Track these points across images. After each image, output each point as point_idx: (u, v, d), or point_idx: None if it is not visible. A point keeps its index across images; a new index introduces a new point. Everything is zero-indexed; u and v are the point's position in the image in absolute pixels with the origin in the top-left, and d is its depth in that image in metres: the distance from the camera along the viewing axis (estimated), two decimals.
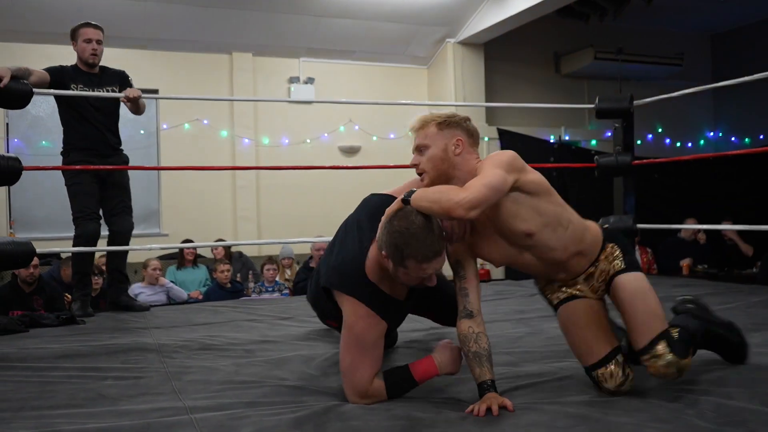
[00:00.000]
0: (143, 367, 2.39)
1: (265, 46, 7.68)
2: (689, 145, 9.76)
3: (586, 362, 2.00)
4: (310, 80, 7.92)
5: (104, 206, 3.85)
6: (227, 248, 6.64)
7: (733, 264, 6.76)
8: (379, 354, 2.01)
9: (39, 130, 7.02)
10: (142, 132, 7.31)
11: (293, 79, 7.91)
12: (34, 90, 3.38)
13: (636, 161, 4.63)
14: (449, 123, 2.02)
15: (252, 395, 2.00)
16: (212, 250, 6.71)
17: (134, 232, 4.03)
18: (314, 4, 7.09)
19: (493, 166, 1.91)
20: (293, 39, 7.65)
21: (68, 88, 3.70)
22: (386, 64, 8.27)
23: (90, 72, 3.83)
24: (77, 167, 3.70)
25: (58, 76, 3.69)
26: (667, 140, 9.66)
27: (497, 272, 7.99)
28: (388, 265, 1.92)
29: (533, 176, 1.99)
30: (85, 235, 3.71)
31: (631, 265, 2.03)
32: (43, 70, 3.64)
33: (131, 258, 6.62)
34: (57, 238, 6.22)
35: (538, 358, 2.45)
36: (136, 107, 3.75)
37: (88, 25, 3.82)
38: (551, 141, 8.48)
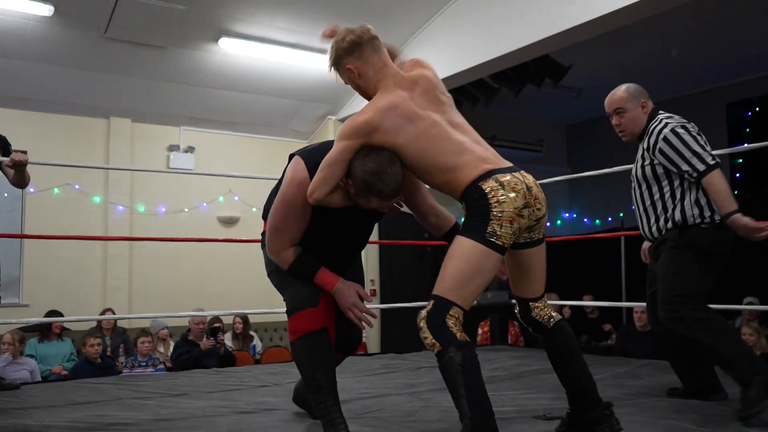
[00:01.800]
0: None
1: (145, 112, 7.58)
2: (548, 225, 10.51)
3: None
4: (190, 149, 7.86)
5: None
6: (115, 322, 6.33)
7: (592, 336, 7.29)
8: (300, 228, 2.23)
9: None
10: (5, 195, 6.88)
11: (173, 147, 7.81)
12: None
13: None
14: (335, 62, 2.26)
15: None
16: (100, 323, 6.32)
17: None
18: (198, 75, 7.12)
19: (337, 139, 2.16)
20: (175, 107, 7.61)
21: None
22: (268, 137, 8.38)
23: None
24: None
25: None
26: (586, 220, 10.44)
27: (373, 345, 8.10)
28: (350, 189, 2.14)
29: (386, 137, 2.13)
30: None
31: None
32: None
33: None
34: None
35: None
36: (22, 177, 3.48)
37: None
38: None
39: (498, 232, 2.05)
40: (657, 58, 7.78)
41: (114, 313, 6.57)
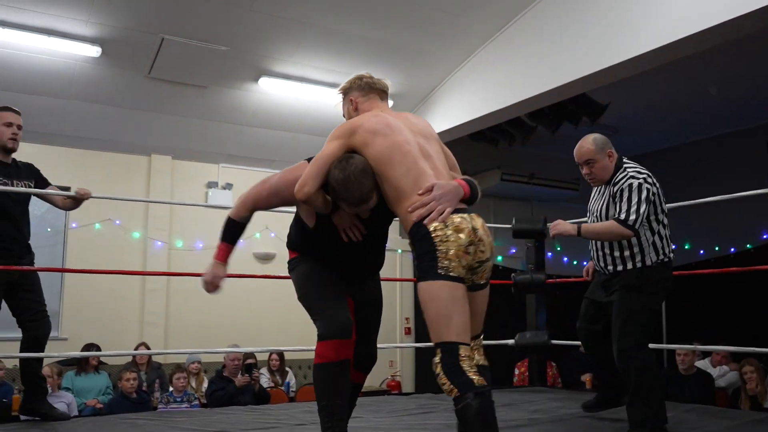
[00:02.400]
0: None
1: (185, 150, 7.72)
2: (585, 263, 10.35)
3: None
4: (228, 186, 7.96)
5: (20, 312, 3.60)
6: (150, 357, 6.39)
7: None
8: (271, 205, 2.56)
9: None
10: (48, 230, 7.03)
11: (211, 184, 7.93)
12: None
13: (549, 280, 4.91)
14: (345, 90, 2.55)
15: None
16: (135, 358, 6.39)
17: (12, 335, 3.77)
18: (237, 114, 7.26)
19: (327, 140, 2.35)
20: (213, 145, 7.74)
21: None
22: None
23: (5, 162, 3.61)
24: None
25: None
26: (565, 258, 10.24)
27: (408, 384, 8.01)
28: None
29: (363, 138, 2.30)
30: None
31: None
32: None
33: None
34: None
35: None
36: (76, 207, 3.71)
37: (8, 108, 3.64)
38: None
39: (449, 266, 2.11)
40: (695, 96, 7.71)
41: (149, 348, 6.61)
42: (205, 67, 6.42)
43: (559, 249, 10.11)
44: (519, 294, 5.05)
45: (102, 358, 6.43)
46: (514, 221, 4.95)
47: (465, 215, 2.19)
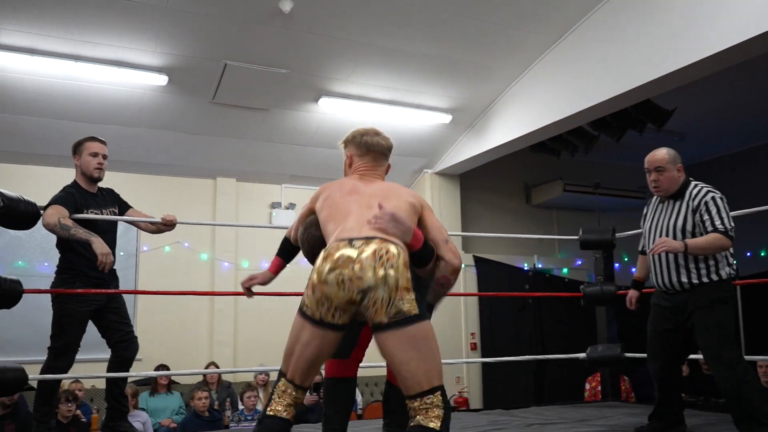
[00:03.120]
0: None
1: (249, 172, 7.89)
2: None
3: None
4: (291, 206, 8.08)
5: (110, 334, 3.70)
6: (219, 375, 6.51)
7: (710, 393, 6.83)
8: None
9: (15, 250, 6.92)
10: (121, 254, 7.25)
11: (275, 204, 8.06)
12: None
13: (619, 291, 4.79)
14: (345, 142, 2.59)
15: None
16: (205, 376, 6.53)
17: (104, 356, 3.79)
18: (298, 135, 7.37)
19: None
20: (276, 166, 7.88)
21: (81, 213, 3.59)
22: None
23: (91, 192, 3.73)
24: (74, 291, 3.56)
25: (73, 206, 3.54)
26: (633, 269, 9.95)
27: (475, 400, 7.91)
28: None
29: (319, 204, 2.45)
30: (60, 370, 3.52)
31: None
32: (55, 204, 3.47)
33: (97, 383, 6.43)
34: (27, 362, 5.99)
35: None
36: (163, 230, 3.95)
37: (94, 139, 3.74)
38: (525, 269, 8.68)
39: (306, 301, 2.11)
40: (764, 98, 7.43)
41: (218, 367, 6.73)
42: (267, 90, 6.55)
43: (626, 260, 9.86)
44: (588, 306, 4.95)
45: (174, 378, 6.59)
46: (581, 232, 4.86)
47: (360, 241, 2.10)
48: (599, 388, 6.18)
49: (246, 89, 6.50)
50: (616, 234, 4.83)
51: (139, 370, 6.69)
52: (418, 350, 2.01)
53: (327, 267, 2.06)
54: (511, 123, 7.03)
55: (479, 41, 6.25)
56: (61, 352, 3.54)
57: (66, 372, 3.60)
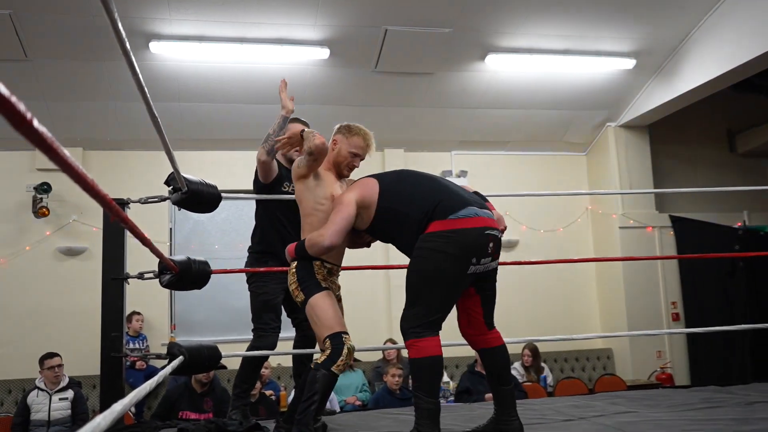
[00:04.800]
0: None
1: (417, 140, 7.61)
2: None
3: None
4: (463, 173, 7.70)
5: (296, 313, 3.62)
6: (398, 351, 6.37)
7: None
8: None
9: (198, 234, 7.17)
10: None
11: (446, 173, 7.71)
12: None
13: None
14: (339, 129, 3.11)
15: None
16: (383, 353, 6.44)
17: (285, 335, 3.75)
18: (465, 97, 6.97)
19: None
20: (445, 132, 7.54)
21: (280, 189, 3.52)
22: (542, 152, 7.93)
23: (288, 168, 3.55)
24: (264, 269, 3.49)
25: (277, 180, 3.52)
26: None
27: (681, 376, 7.15)
28: None
29: None
30: (264, 348, 3.49)
31: None
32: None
33: (282, 361, 6.53)
34: (217, 342, 6.20)
35: None
36: None
37: (297, 120, 3.62)
38: (734, 227, 7.65)
39: None
40: None
41: (395, 344, 6.56)
42: (430, 53, 6.21)
43: None
44: None
45: (355, 356, 6.52)
46: None
47: None
48: None
49: (408, 54, 6.21)
50: None
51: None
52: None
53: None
54: (708, 61, 6.20)
55: None
56: (260, 332, 3.47)
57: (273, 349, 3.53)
